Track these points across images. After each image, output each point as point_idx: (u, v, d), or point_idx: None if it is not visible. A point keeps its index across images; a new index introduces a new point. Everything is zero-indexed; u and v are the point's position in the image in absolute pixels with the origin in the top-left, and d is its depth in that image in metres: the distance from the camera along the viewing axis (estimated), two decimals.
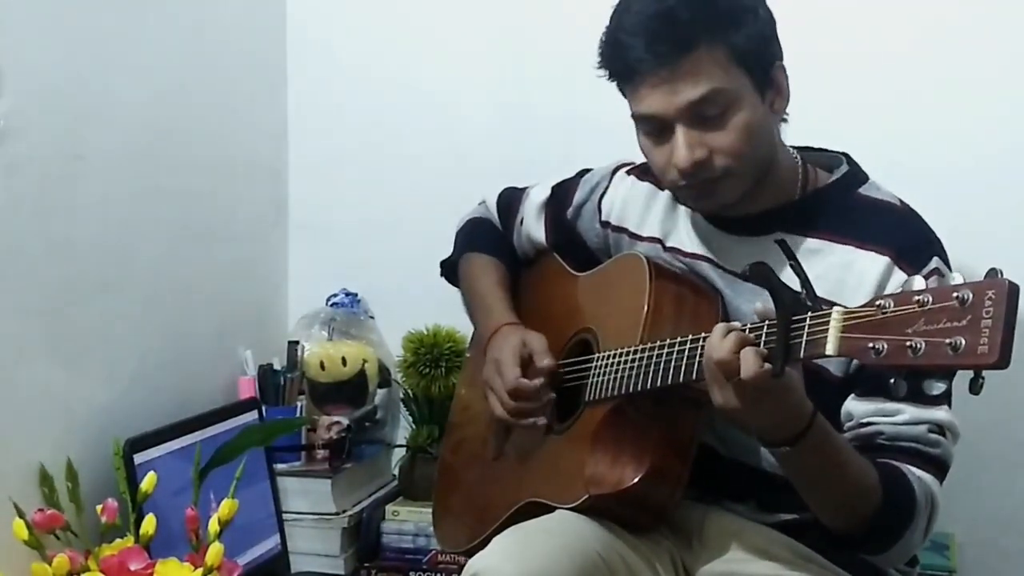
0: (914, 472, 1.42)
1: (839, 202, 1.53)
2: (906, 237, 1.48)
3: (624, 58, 1.46)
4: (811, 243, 1.49)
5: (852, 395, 1.46)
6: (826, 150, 1.62)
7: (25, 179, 1.65)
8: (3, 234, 1.61)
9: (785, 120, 1.54)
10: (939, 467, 1.45)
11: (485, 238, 1.88)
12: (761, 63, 1.46)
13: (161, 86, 1.96)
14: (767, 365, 1.25)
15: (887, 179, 1.58)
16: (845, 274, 1.46)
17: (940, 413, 1.43)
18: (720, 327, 1.31)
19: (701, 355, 1.35)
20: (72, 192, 1.75)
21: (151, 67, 1.93)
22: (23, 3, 1.65)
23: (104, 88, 1.82)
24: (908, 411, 1.42)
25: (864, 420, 1.45)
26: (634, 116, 1.50)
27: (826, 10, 2.08)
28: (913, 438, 1.43)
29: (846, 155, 1.59)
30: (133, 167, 1.89)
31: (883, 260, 1.45)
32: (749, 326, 1.31)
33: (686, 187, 1.50)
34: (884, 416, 1.43)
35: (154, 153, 1.95)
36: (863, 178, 1.56)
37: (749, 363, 1.25)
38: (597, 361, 1.58)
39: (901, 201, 1.55)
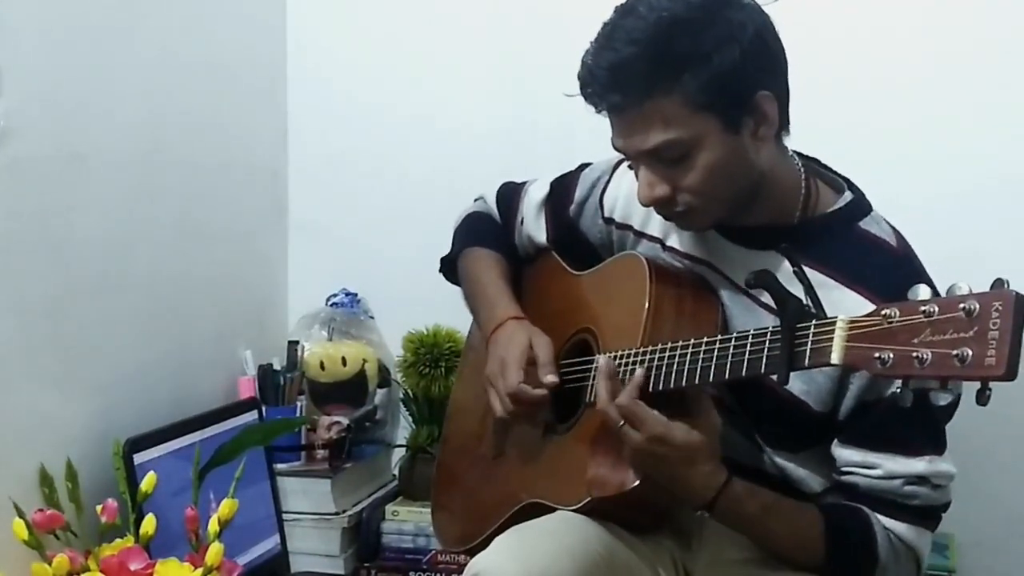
0: (881, 520, 1.45)
1: (837, 234, 1.50)
2: (894, 284, 1.39)
3: (588, 98, 1.46)
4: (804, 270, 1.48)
5: (837, 440, 1.48)
6: (831, 169, 1.59)
7: (25, 179, 1.65)
8: (3, 234, 1.61)
9: (787, 132, 1.51)
10: (920, 515, 1.46)
11: (485, 233, 1.87)
12: (732, 100, 1.42)
13: (161, 86, 1.96)
14: (641, 403, 1.39)
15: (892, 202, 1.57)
16: (833, 312, 1.44)
17: (919, 465, 1.44)
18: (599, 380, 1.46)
19: (703, 359, 1.37)
20: (72, 192, 1.75)
21: (151, 67, 1.93)
22: (23, 3, 1.64)
23: (104, 88, 1.82)
24: (884, 466, 1.44)
25: (845, 469, 1.48)
26: (611, 143, 1.51)
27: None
28: (888, 491, 1.45)
29: (847, 181, 1.57)
30: (133, 167, 1.89)
31: (869, 307, 1.43)
32: (752, 333, 1.32)
33: (658, 215, 1.54)
34: (863, 468, 1.46)
35: (154, 153, 1.95)
36: (866, 210, 1.53)
37: (600, 392, 1.42)
38: (597, 363, 1.57)
39: (899, 239, 1.52)
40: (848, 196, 1.54)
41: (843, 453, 1.47)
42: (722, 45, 1.39)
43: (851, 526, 1.45)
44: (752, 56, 1.41)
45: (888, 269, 1.47)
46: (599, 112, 1.48)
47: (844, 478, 1.48)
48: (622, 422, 1.42)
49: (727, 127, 1.42)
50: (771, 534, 1.47)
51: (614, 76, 1.41)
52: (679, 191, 1.45)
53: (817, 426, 1.48)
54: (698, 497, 1.43)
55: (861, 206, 1.54)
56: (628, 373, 1.48)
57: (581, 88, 1.47)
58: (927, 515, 1.47)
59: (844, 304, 1.41)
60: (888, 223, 1.53)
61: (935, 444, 1.45)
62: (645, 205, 1.49)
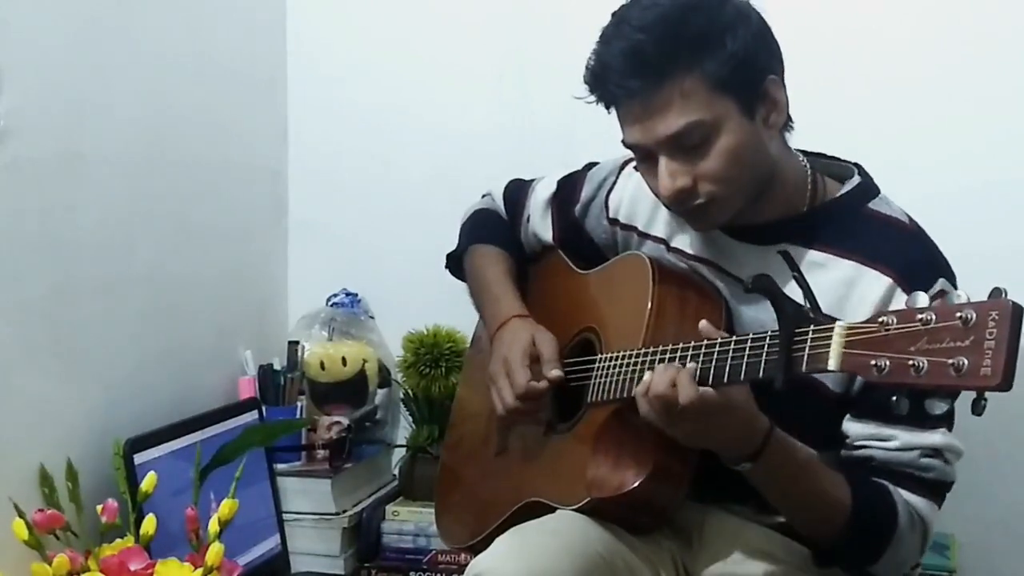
0: (901, 493, 1.45)
1: (847, 215, 1.51)
2: (911, 258, 1.46)
3: (602, 90, 1.46)
4: (816, 256, 1.48)
5: (849, 415, 1.47)
6: (838, 159, 1.60)
7: (25, 179, 1.65)
8: (3, 234, 1.61)
9: (791, 128, 1.53)
10: (933, 489, 1.46)
11: (492, 230, 1.87)
12: (745, 84, 1.43)
13: (161, 86, 1.96)
14: (702, 388, 1.32)
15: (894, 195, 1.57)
16: (848, 291, 1.45)
17: (935, 437, 1.44)
18: (659, 367, 1.38)
19: (703, 361, 1.36)
20: (72, 192, 1.75)
21: (151, 67, 1.93)
22: (23, 3, 1.64)
23: (104, 88, 1.82)
24: (901, 437, 1.44)
25: (858, 443, 1.47)
26: (622, 143, 1.50)
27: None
28: (905, 464, 1.45)
29: (858, 166, 1.58)
30: (133, 167, 1.89)
31: (886, 281, 1.44)
32: (751, 336, 1.32)
33: (677, 211, 1.52)
34: (878, 441, 1.45)
35: (154, 153, 1.95)
36: (874, 192, 1.54)
37: (685, 389, 1.32)
38: (600, 362, 1.57)
39: (910, 219, 1.53)
40: (856, 180, 1.55)
41: (855, 428, 1.46)
42: (734, 26, 1.41)
43: (876, 496, 1.44)
44: (760, 40, 1.44)
45: (902, 246, 1.48)
46: (610, 109, 1.47)
47: (858, 452, 1.46)
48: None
49: (743, 111, 1.43)
50: (803, 491, 1.44)
51: (630, 61, 1.41)
52: (700, 180, 1.44)
53: (835, 410, 1.47)
54: (747, 446, 1.38)
55: (870, 188, 1.55)
56: (628, 373, 1.48)
57: (593, 85, 1.47)
58: (938, 490, 1.47)
59: (859, 281, 1.44)
60: (897, 206, 1.54)
61: (948, 417, 1.44)
62: (666, 198, 1.47)
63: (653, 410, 1.37)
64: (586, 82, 1.48)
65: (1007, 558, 2.10)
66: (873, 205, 1.53)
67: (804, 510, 1.47)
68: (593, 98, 1.49)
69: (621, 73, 1.42)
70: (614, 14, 1.47)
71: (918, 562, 1.60)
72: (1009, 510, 2.10)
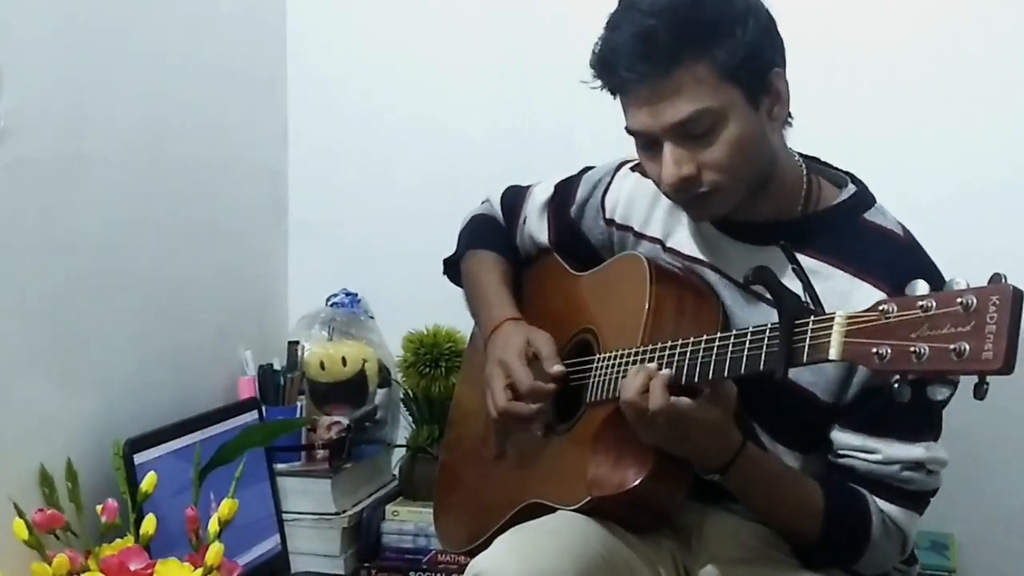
0: (878, 502, 1.47)
1: (843, 225, 1.51)
2: (905, 272, 1.41)
3: (610, 75, 1.46)
4: (810, 263, 1.46)
5: (838, 425, 1.49)
6: (831, 165, 1.60)
7: (25, 179, 1.65)
8: (3, 234, 1.61)
9: (789, 124, 1.52)
10: (913, 499, 1.48)
11: (489, 235, 1.87)
12: (753, 74, 1.43)
13: (161, 86, 1.96)
14: (674, 398, 1.35)
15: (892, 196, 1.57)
16: (841, 303, 1.42)
17: (917, 451, 1.46)
18: (632, 369, 1.41)
19: (703, 357, 1.37)
20: (72, 192, 1.75)
21: (151, 67, 1.93)
22: (23, 3, 1.64)
23: (104, 88, 1.82)
24: (884, 451, 1.46)
25: (841, 452, 1.49)
26: (626, 129, 1.50)
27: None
28: (885, 476, 1.47)
29: (851, 175, 1.57)
30: (133, 167, 1.89)
31: (879, 295, 1.42)
32: (751, 330, 1.32)
33: (678, 199, 1.51)
34: (862, 453, 1.47)
35: (154, 153, 1.95)
36: (870, 202, 1.54)
37: (656, 397, 1.35)
38: (598, 362, 1.58)
39: (905, 230, 1.53)
40: (851, 189, 1.55)
41: (842, 437, 1.48)
42: (744, 17, 1.42)
43: (849, 506, 1.47)
44: (767, 32, 1.45)
45: (895, 258, 1.48)
46: (615, 95, 1.47)
47: (841, 461, 1.48)
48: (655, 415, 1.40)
49: (749, 102, 1.43)
50: (774, 502, 1.48)
51: (640, 46, 1.40)
52: (705, 169, 1.44)
53: (825, 418, 1.49)
54: (716, 461, 1.42)
55: (865, 198, 1.55)
56: (626, 372, 1.47)
57: (600, 70, 1.46)
58: (919, 500, 1.49)
59: (853, 295, 1.44)
60: (892, 216, 1.54)
61: (934, 430, 1.47)
62: (669, 186, 1.46)
63: (627, 415, 1.41)
64: (592, 67, 1.48)
65: (1007, 558, 2.10)
66: (869, 216, 1.52)
67: (778, 517, 1.50)
68: (597, 84, 1.49)
69: (631, 57, 1.41)
70: (621, 0, 1.47)
71: (917, 560, 1.62)
72: (1009, 510, 2.11)
